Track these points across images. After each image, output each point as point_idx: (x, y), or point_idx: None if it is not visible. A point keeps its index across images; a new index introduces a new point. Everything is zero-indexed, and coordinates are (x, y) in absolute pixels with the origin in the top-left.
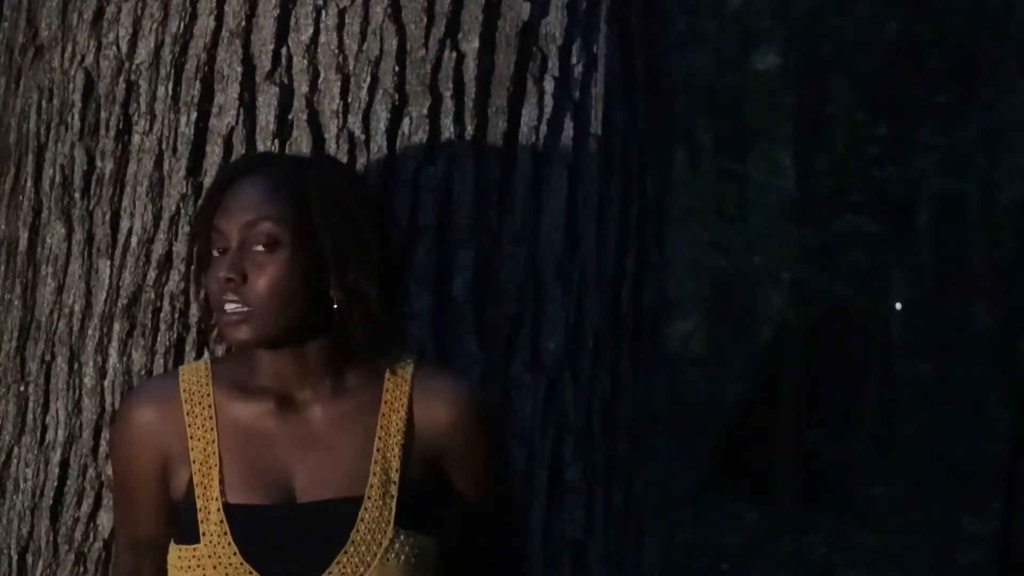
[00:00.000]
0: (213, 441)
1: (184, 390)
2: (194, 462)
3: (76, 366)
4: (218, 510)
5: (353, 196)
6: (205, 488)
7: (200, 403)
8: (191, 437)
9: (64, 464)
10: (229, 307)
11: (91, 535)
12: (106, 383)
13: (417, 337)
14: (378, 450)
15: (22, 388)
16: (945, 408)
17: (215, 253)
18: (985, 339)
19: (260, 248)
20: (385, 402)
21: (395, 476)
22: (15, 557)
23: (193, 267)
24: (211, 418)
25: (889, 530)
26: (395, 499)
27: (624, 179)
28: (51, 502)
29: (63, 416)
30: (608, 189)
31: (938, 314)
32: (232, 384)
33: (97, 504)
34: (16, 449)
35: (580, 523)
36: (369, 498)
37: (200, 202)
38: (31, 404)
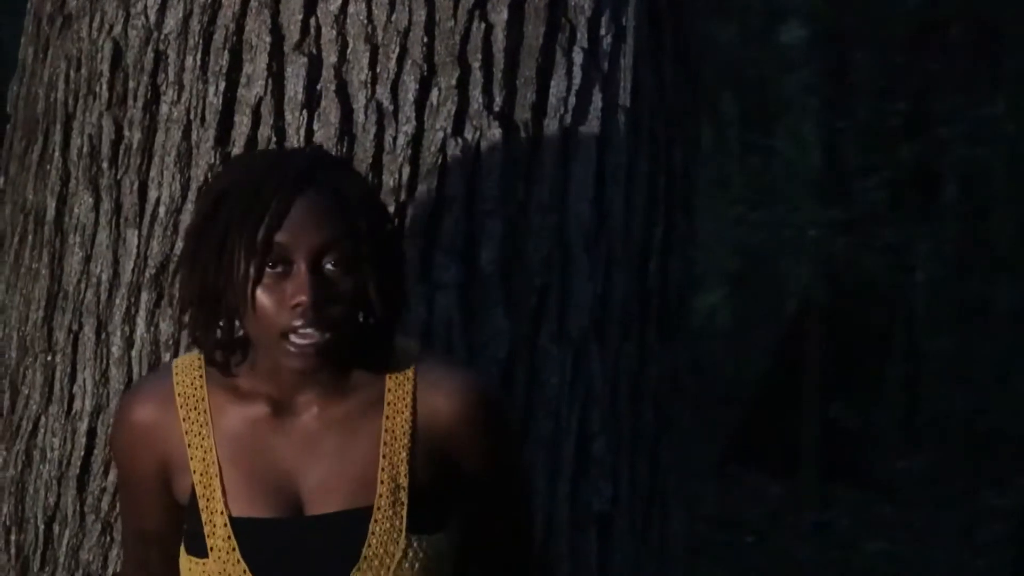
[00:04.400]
0: (211, 449)
1: (179, 393)
2: (194, 472)
3: (103, 336)
4: (224, 525)
5: (375, 195)
6: (208, 500)
7: (195, 408)
8: (189, 445)
9: (91, 434)
10: (303, 335)
11: (118, 505)
12: (133, 353)
13: (444, 308)
14: (384, 456)
15: (49, 358)
16: (969, 382)
17: (267, 267)
18: (1009, 313)
19: (333, 268)
20: (388, 403)
21: (404, 482)
22: (42, 527)
23: (239, 279)
24: (207, 424)
25: (912, 504)
26: (405, 506)
27: (652, 151)
28: (78, 472)
29: (90, 386)
30: (636, 161)
31: (963, 288)
32: (225, 385)
33: None
34: (43, 419)
35: (606, 495)
36: (379, 508)
37: (245, 211)
38: (58, 374)
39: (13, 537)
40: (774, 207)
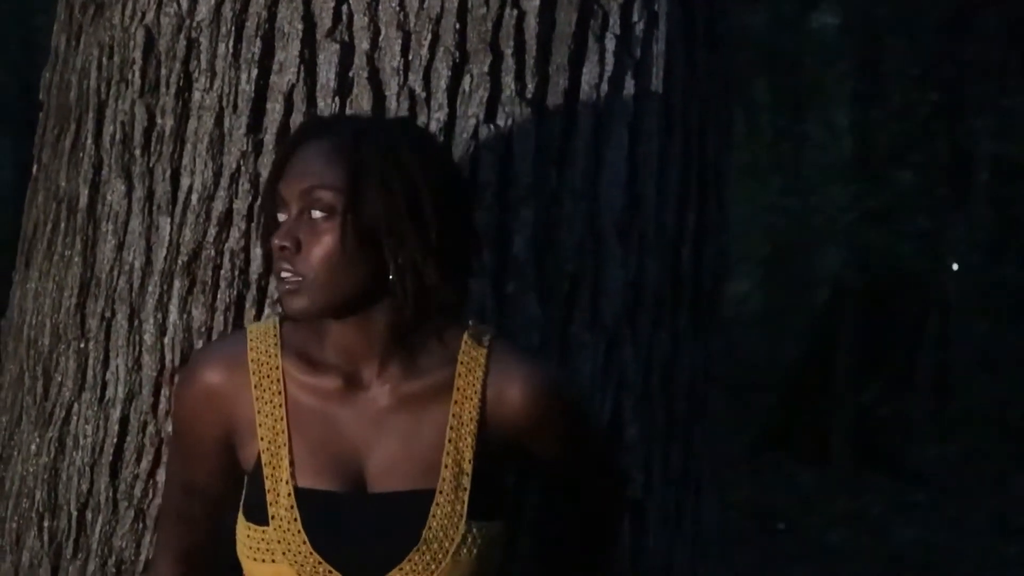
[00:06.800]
0: (282, 419)
1: (252, 360)
2: (262, 439)
3: (136, 323)
4: (288, 495)
5: (417, 161)
6: (274, 469)
7: (268, 375)
8: (259, 412)
9: (124, 421)
10: (284, 275)
11: (150, 492)
12: (166, 340)
13: (477, 295)
14: (450, 440)
15: (82, 345)
16: (1001, 369)
17: (281, 217)
18: None
19: (318, 215)
20: (458, 388)
21: (467, 467)
22: (75, 513)
23: (260, 229)
24: (280, 393)
25: (944, 491)
26: (467, 492)
27: (684, 137)
28: (111, 459)
29: (123, 373)
30: (668, 147)
31: (995, 275)
32: (300, 355)
33: (156, 461)
34: (76, 406)
35: (639, 482)
36: (441, 492)
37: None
38: (91, 361)
39: (46, 524)
40: (806, 193)
